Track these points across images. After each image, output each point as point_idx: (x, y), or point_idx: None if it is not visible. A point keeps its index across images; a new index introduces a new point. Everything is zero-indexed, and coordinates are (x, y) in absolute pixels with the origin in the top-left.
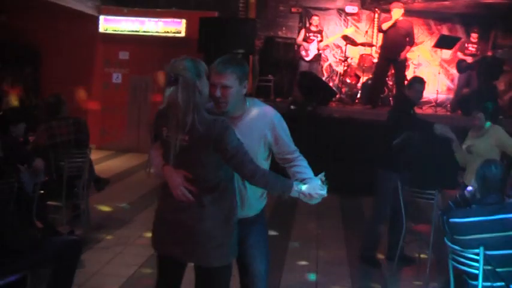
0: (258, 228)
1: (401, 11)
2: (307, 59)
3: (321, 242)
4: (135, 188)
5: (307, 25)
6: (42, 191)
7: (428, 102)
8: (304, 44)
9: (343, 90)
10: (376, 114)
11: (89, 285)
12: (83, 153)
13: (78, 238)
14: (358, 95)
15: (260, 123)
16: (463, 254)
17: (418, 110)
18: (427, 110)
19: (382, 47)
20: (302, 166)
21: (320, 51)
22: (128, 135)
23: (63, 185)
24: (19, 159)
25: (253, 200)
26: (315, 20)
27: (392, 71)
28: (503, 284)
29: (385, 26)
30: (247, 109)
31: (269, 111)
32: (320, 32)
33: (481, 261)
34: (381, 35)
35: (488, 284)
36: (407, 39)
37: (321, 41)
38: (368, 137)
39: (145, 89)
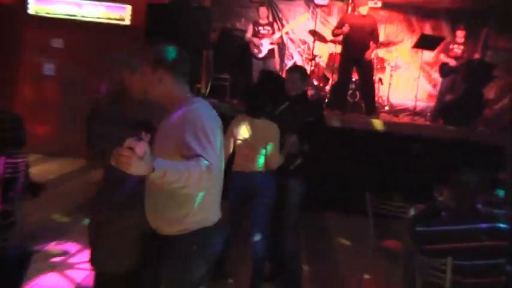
0: None
1: (367, 6)
2: (260, 55)
3: None
4: (69, 196)
5: (256, 18)
6: None
7: (406, 109)
8: (255, 39)
9: (309, 92)
10: (342, 120)
11: None
12: (21, 152)
13: (28, 250)
14: (326, 100)
15: None
16: (430, 264)
17: (394, 119)
18: (403, 119)
19: (344, 45)
20: None
21: (273, 46)
22: (60, 136)
23: None
24: None
25: None
26: (262, 12)
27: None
28: None
29: (336, 33)
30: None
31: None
32: (271, 24)
33: (449, 272)
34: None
35: None
36: (372, 37)
37: (273, 34)
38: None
39: (82, 82)
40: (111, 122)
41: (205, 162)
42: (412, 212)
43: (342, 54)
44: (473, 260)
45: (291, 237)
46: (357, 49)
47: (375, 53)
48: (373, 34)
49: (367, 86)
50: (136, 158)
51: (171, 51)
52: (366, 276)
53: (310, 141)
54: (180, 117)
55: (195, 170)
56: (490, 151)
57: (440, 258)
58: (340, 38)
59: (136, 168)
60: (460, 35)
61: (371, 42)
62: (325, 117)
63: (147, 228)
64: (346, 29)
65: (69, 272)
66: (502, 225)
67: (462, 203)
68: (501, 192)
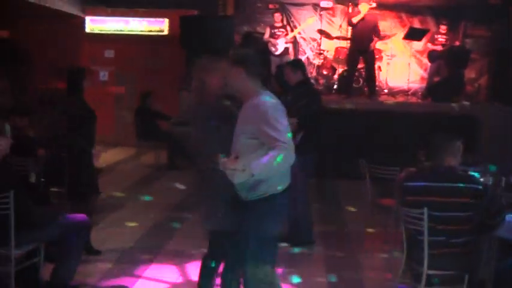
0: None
1: (368, 6)
2: (277, 53)
3: None
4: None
5: (272, 23)
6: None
7: (401, 91)
8: (272, 40)
9: (321, 81)
10: (350, 102)
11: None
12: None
13: (87, 219)
14: (335, 86)
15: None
16: (411, 214)
17: (391, 98)
18: (399, 98)
19: (352, 40)
20: None
21: (288, 44)
22: (115, 130)
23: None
24: (25, 149)
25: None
26: (276, 17)
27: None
28: (444, 238)
29: (354, 20)
30: None
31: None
32: (284, 27)
33: (426, 220)
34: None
35: (432, 238)
36: (374, 32)
37: (286, 34)
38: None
39: (130, 85)
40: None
41: (284, 145)
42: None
43: (351, 47)
44: (447, 212)
45: (300, 202)
46: (363, 42)
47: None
48: (375, 29)
49: (370, 72)
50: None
51: (245, 53)
52: (368, 230)
53: (302, 121)
54: (253, 107)
55: (280, 155)
56: (470, 121)
57: (418, 208)
58: (349, 34)
59: (239, 179)
60: (443, 27)
61: (373, 36)
62: (317, 100)
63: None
64: (357, 20)
65: None
66: (476, 186)
67: (436, 162)
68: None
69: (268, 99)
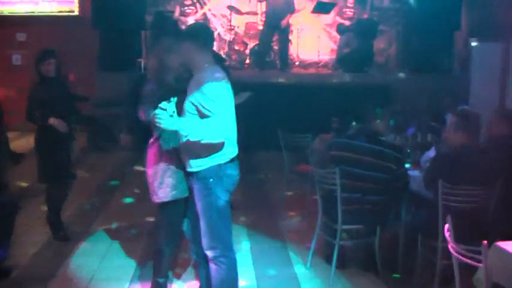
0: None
1: None
2: None
3: None
4: None
5: (182, 1)
6: None
7: (313, 63)
8: (182, 18)
9: (233, 57)
10: (264, 76)
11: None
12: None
13: (14, 199)
14: (247, 61)
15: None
16: (324, 173)
17: (301, 70)
18: (310, 70)
19: (266, 15)
20: None
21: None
22: None
23: None
24: None
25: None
26: None
27: (277, 37)
28: (359, 194)
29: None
30: None
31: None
32: (194, 4)
33: (338, 177)
34: (263, 3)
35: (347, 194)
36: (288, 7)
37: (196, 12)
38: None
39: None
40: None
41: (215, 117)
42: (316, 140)
43: (265, 22)
44: (367, 171)
45: None
46: (275, 18)
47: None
48: (290, 4)
49: (283, 46)
50: (166, 116)
51: (192, 28)
52: (287, 193)
53: None
54: (196, 80)
55: (210, 124)
56: (380, 89)
57: (340, 163)
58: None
59: (166, 124)
60: (350, 1)
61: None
62: None
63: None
64: None
65: None
66: (399, 153)
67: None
68: (392, 122)
69: (210, 74)
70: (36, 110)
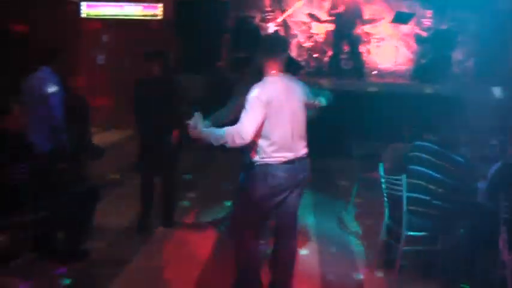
0: None
1: None
2: None
3: None
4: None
5: (262, 7)
6: None
7: (391, 73)
8: (262, 24)
9: (312, 64)
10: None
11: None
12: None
13: (98, 186)
14: (326, 68)
15: None
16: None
17: (378, 80)
18: (387, 79)
19: (336, 25)
20: None
21: (278, 28)
22: (112, 113)
23: None
24: None
25: None
26: (266, 1)
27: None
28: (428, 197)
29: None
30: None
31: None
32: (274, 11)
33: (404, 177)
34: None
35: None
36: (358, 18)
37: (276, 18)
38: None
39: (127, 69)
40: None
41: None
42: (388, 149)
43: (335, 30)
44: (440, 174)
45: None
46: (346, 26)
47: (361, 29)
48: (359, 15)
49: (356, 55)
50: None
51: (263, 41)
52: (357, 200)
53: None
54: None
55: (230, 134)
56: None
57: (416, 164)
58: (334, 17)
59: (193, 135)
60: (428, 12)
61: (357, 21)
62: None
63: None
64: (340, 9)
65: None
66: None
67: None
68: None
69: (259, 85)
70: (139, 108)
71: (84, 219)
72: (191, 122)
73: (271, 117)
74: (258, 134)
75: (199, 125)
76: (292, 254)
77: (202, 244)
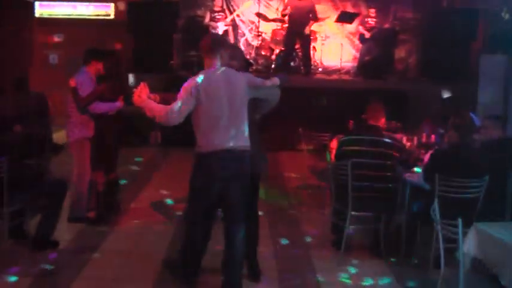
0: None
1: None
2: None
3: None
4: None
5: (212, 7)
6: None
7: (335, 70)
8: (212, 23)
9: (260, 61)
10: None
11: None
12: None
13: (65, 179)
14: (273, 66)
15: None
16: (338, 165)
17: (324, 76)
18: (333, 76)
19: (289, 23)
20: None
21: (227, 27)
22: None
23: None
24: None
25: None
26: (216, 1)
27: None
28: (369, 183)
29: (284, 13)
30: None
31: None
32: (224, 10)
33: (349, 169)
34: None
35: (358, 183)
36: (311, 15)
37: (226, 18)
38: None
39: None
40: None
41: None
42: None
43: (288, 29)
44: (373, 159)
45: None
46: (298, 25)
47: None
48: (312, 13)
49: (306, 52)
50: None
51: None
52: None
53: None
54: None
55: (162, 110)
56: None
57: (349, 157)
58: (286, 17)
59: (135, 101)
60: (372, 11)
61: (310, 19)
62: None
63: None
64: (288, 11)
65: None
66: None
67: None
68: None
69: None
70: None
71: (53, 210)
72: (136, 90)
73: (203, 109)
74: (196, 127)
75: (143, 94)
76: (240, 250)
77: None
